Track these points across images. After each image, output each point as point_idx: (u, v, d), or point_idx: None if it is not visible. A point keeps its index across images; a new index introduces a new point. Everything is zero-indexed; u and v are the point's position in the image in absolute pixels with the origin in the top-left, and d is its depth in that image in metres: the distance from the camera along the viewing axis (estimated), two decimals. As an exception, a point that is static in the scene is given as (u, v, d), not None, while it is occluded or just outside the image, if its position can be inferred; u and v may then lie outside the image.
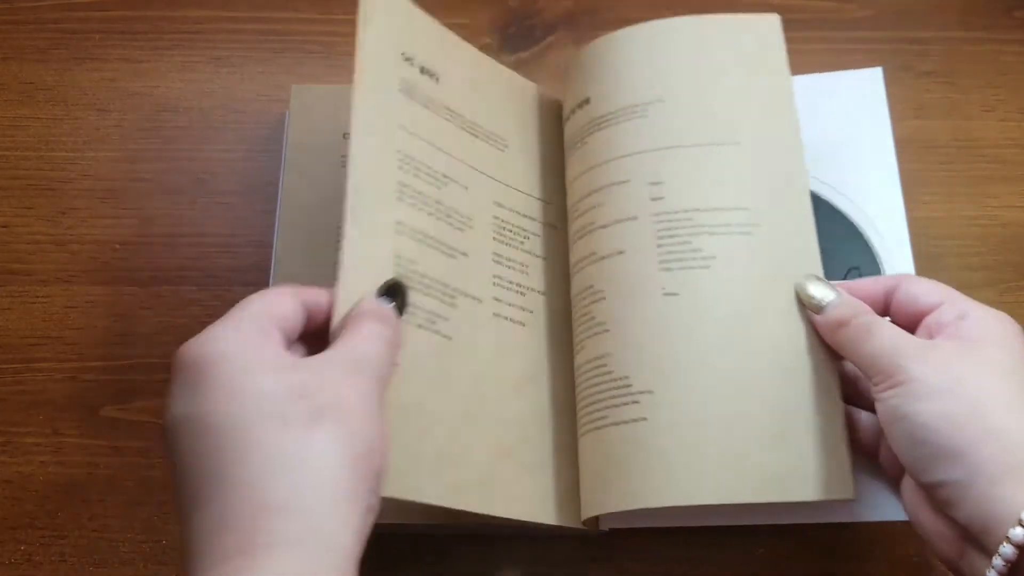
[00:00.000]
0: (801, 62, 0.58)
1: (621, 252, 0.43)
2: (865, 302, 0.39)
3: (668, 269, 0.42)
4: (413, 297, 0.39)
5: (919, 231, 0.53)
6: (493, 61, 0.50)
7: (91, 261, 0.51)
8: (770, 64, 0.47)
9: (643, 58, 0.46)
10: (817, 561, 0.46)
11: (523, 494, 0.42)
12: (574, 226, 0.46)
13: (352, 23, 0.58)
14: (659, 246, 0.43)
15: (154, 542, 0.46)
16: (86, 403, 0.48)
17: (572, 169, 0.48)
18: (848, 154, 0.50)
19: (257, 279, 0.51)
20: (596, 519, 0.43)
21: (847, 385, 0.41)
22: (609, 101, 0.46)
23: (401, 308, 0.38)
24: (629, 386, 0.41)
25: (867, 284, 0.41)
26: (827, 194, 0.50)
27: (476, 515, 0.40)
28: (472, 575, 0.45)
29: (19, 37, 0.57)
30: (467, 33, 0.58)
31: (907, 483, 0.38)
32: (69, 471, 0.47)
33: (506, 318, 0.44)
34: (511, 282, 0.46)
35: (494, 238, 0.45)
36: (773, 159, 0.44)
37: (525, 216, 0.48)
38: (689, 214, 0.43)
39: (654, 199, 0.43)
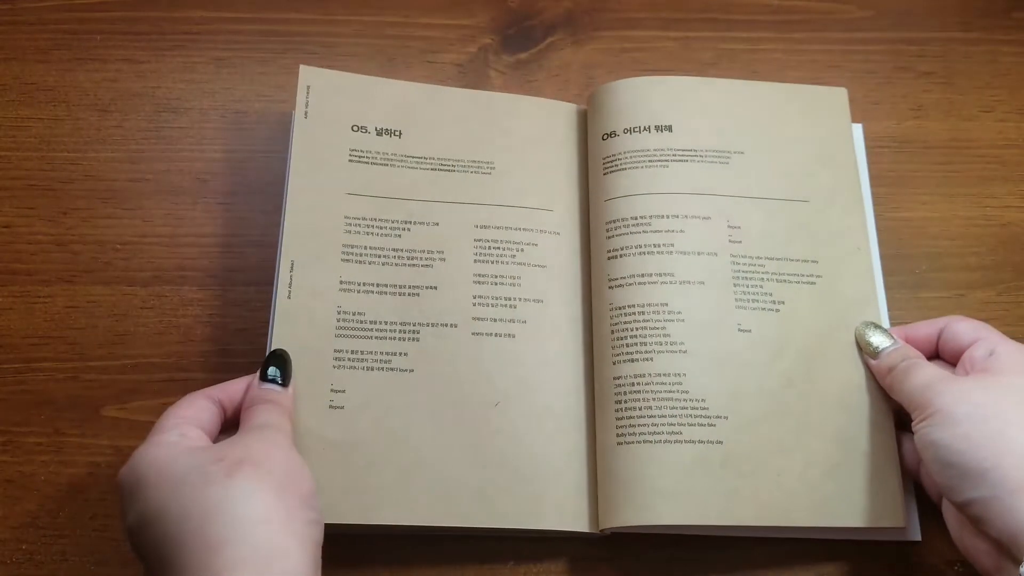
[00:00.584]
0: (800, 63, 0.59)
1: (702, 283, 0.47)
2: (920, 343, 0.45)
3: (742, 307, 0.47)
4: (362, 344, 0.46)
5: (918, 231, 0.54)
6: (473, 93, 0.53)
7: (92, 261, 0.51)
8: (836, 131, 0.52)
9: (727, 110, 0.52)
10: (817, 561, 0.46)
11: (522, 503, 0.44)
12: (627, 239, 0.48)
13: (354, 23, 0.59)
14: (735, 285, 0.47)
15: (155, 541, 0.46)
16: (87, 403, 0.48)
17: (632, 184, 0.49)
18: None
19: (259, 279, 0.51)
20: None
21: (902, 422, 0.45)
22: (696, 138, 0.51)
23: (287, 377, 0.43)
24: (707, 408, 0.44)
25: (923, 327, 0.46)
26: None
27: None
28: (475, 575, 0.45)
29: (20, 37, 0.57)
30: (467, 33, 0.59)
31: (947, 506, 0.42)
32: (70, 471, 0.47)
33: (490, 334, 0.47)
34: (497, 298, 0.47)
35: (475, 260, 0.48)
36: (837, 218, 0.50)
37: (518, 229, 0.49)
38: (762, 261, 0.48)
39: (732, 241, 0.48)
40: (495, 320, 0.47)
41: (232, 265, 0.51)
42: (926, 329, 0.45)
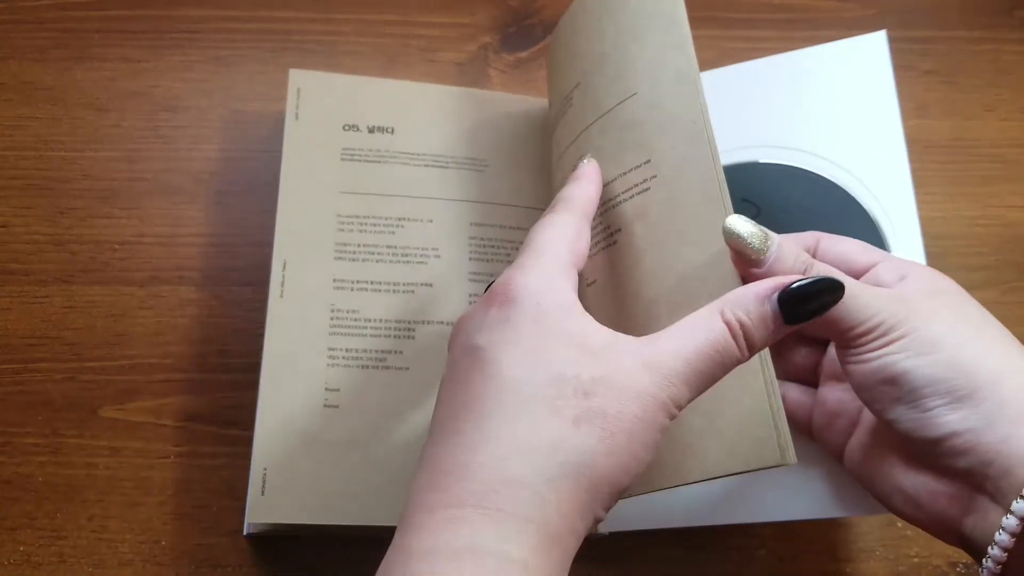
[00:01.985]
0: (802, 61, 0.58)
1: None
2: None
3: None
4: (356, 342, 0.45)
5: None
6: (466, 90, 0.53)
7: (90, 261, 0.51)
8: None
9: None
10: (817, 561, 0.46)
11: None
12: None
13: (353, 21, 0.59)
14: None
15: (153, 543, 0.45)
16: (85, 403, 0.48)
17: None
18: (851, 130, 0.48)
19: (257, 279, 0.50)
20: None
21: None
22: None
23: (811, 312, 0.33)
24: None
25: (786, 243, 0.36)
26: (829, 171, 0.48)
27: None
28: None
29: (18, 36, 0.57)
30: (467, 32, 0.58)
31: (858, 451, 0.37)
32: (68, 472, 0.47)
33: None
34: None
35: (471, 258, 0.48)
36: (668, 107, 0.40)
37: (512, 228, 0.49)
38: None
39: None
40: None
41: (230, 265, 0.51)
42: (789, 246, 0.35)
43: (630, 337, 0.32)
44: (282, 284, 0.46)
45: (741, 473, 0.34)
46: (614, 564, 0.45)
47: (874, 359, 0.34)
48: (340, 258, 0.47)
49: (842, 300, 0.33)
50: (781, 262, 0.34)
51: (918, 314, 0.34)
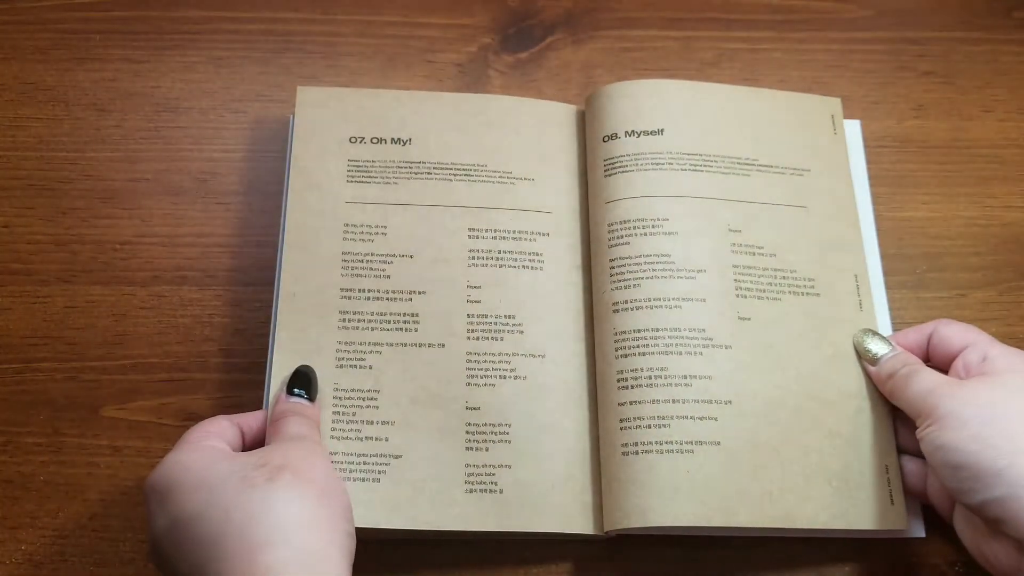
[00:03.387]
0: (801, 63, 0.59)
1: (703, 300, 0.47)
2: (911, 349, 0.45)
3: (744, 318, 0.47)
4: (358, 379, 0.46)
5: (918, 231, 0.54)
6: (471, 96, 0.53)
7: (91, 261, 0.51)
8: (829, 141, 0.53)
9: (724, 115, 0.52)
10: (817, 561, 0.46)
11: (527, 507, 0.44)
12: (628, 244, 0.48)
13: (353, 22, 0.59)
14: (736, 294, 0.47)
15: (154, 542, 0.46)
16: (86, 403, 0.48)
17: (632, 186, 0.49)
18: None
19: (257, 279, 0.51)
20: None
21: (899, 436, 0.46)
22: (691, 142, 0.51)
23: (313, 393, 0.44)
24: (711, 418, 0.44)
25: (912, 333, 0.46)
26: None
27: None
28: None
29: (20, 37, 0.57)
30: (467, 33, 0.59)
31: (959, 516, 0.42)
32: (70, 471, 0.47)
33: (490, 338, 0.47)
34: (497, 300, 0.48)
35: (469, 265, 0.48)
36: (834, 227, 0.50)
37: (518, 232, 0.49)
38: (763, 269, 0.48)
39: (734, 251, 0.48)
40: (496, 321, 0.47)
41: (232, 265, 0.51)
42: (915, 335, 0.45)
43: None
44: (292, 297, 0.46)
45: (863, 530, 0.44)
46: (614, 564, 0.46)
47: (924, 436, 0.40)
48: (346, 271, 0.47)
49: (908, 387, 0.42)
50: (889, 366, 0.44)
51: (959, 397, 0.40)
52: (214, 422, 0.41)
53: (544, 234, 0.49)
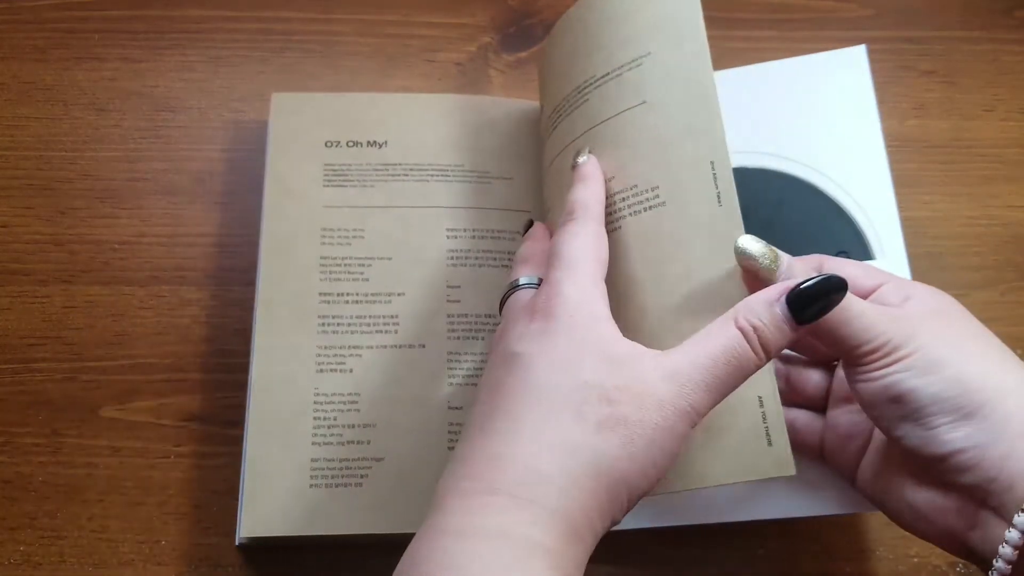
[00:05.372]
0: (801, 62, 0.58)
1: None
2: None
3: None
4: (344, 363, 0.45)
5: (919, 231, 0.54)
6: (447, 97, 0.53)
7: (90, 261, 0.51)
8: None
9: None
10: (817, 561, 0.46)
11: None
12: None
13: (353, 21, 0.59)
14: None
15: (154, 542, 0.45)
16: (85, 403, 0.48)
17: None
18: (833, 137, 0.49)
19: (256, 279, 0.50)
20: None
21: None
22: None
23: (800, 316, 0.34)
24: None
25: (797, 262, 0.37)
26: (812, 177, 0.49)
27: None
28: None
29: (18, 36, 0.57)
30: (467, 32, 0.59)
31: (870, 471, 0.38)
32: (68, 471, 0.47)
33: (469, 337, 0.47)
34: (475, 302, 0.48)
35: (448, 265, 0.48)
36: (677, 112, 0.40)
37: (497, 231, 0.49)
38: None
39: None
40: (476, 320, 0.47)
41: (231, 265, 0.51)
42: (800, 266, 0.37)
43: (652, 350, 0.34)
44: (271, 302, 0.46)
45: (742, 482, 0.36)
46: (614, 564, 0.46)
47: (880, 377, 0.35)
48: (324, 273, 0.47)
49: (850, 320, 0.34)
50: (792, 279, 0.35)
51: (923, 333, 0.35)
52: (602, 244, 0.37)
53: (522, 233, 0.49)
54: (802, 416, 0.41)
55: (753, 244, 0.36)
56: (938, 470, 0.35)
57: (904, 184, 0.55)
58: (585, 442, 0.31)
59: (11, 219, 0.52)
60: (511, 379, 0.33)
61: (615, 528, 0.43)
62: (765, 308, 0.34)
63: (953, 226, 0.54)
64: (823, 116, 0.49)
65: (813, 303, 0.34)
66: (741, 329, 0.33)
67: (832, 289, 0.34)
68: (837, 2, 0.60)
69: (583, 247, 0.36)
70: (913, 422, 0.34)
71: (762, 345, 0.33)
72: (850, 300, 0.35)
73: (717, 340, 0.33)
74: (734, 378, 0.33)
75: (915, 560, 0.46)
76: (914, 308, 0.36)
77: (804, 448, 0.41)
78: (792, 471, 0.35)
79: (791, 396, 0.41)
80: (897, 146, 0.56)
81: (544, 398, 0.32)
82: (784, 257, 0.36)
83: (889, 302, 0.37)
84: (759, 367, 0.34)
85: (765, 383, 0.36)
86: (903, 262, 0.47)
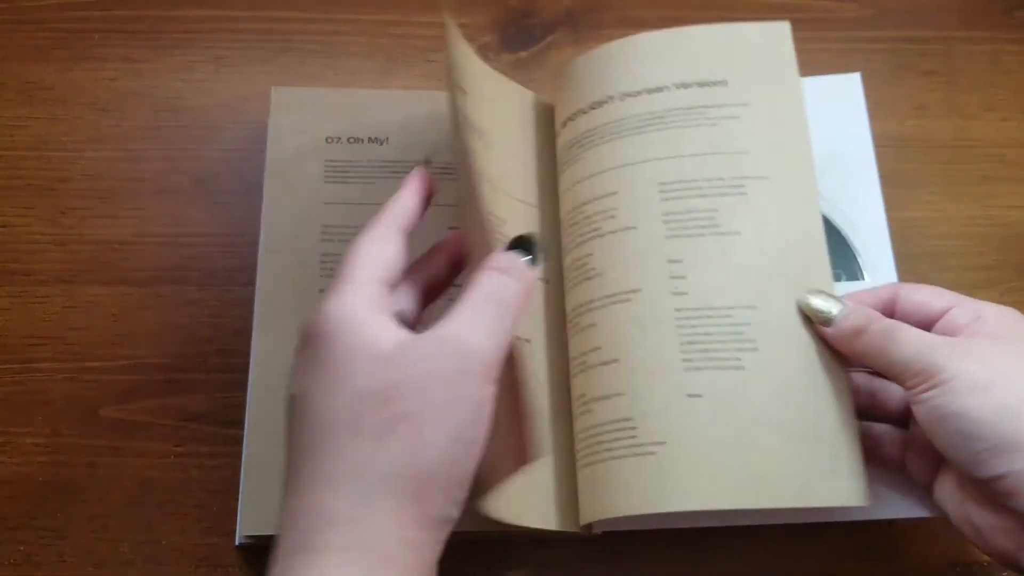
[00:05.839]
0: (801, 62, 0.58)
1: (638, 290, 0.43)
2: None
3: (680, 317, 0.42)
4: None
5: (919, 231, 0.54)
6: (444, 94, 0.52)
7: (91, 261, 0.51)
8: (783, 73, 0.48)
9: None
10: (817, 561, 0.46)
11: (527, 502, 0.43)
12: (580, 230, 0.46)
13: (353, 21, 0.59)
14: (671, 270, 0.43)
15: (154, 542, 0.46)
16: (86, 403, 0.48)
17: (583, 169, 0.47)
18: (826, 159, 0.49)
19: (256, 279, 0.51)
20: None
21: (860, 398, 0.42)
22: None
23: (535, 255, 0.36)
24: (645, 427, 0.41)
25: (867, 296, 0.41)
26: None
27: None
28: None
29: (19, 37, 0.57)
30: (467, 32, 0.58)
31: (944, 485, 0.39)
32: (69, 471, 0.47)
33: None
34: None
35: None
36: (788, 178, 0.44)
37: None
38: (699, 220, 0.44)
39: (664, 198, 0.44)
40: None
41: (231, 265, 0.51)
42: (869, 299, 0.41)
43: (425, 331, 0.33)
44: (270, 301, 0.46)
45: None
46: (614, 564, 0.46)
47: (926, 400, 0.36)
48: (325, 272, 0.47)
49: (890, 348, 0.37)
50: (852, 323, 0.39)
51: (969, 358, 0.36)
52: (382, 249, 0.36)
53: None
54: (887, 431, 0.42)
55: (814, 300, 0.41)
56: (987, 492, 0.36)
57: (904, 184, 0.55)
58: (369, 459, 0.30)
59: (12, 219, 0.52)
60: (295, 423, 0.32)
61: (615, 528, 0.43)
62: (503, 254, 0.35)
63: (953, 226, 0.54)
64: (817, 140, 0.48)
65: (518, 244, 0.36)
66: (487, 271, 0.34)
67: (520, 239, 0.36)
68: (837, 2, 0.60)
69: (355, 253, 0.35)
70: (958, 445, 0.35)
71: (517, 272, 0.35)
72: (894, 328, 0.38)
73: (474, 291, 0.33)
74: (504, 314, 0.33)
75: (915, 560, 0.46)
76: (980, 329, 0.38)
77: (887, 462, 0.42)
78: (865, 503, 0.39)
79: (877, 411, 0.43)
80: (897, 146, 0.56)
81: (325, 429, 0.31)
82: (843, 309, 0.40)
83: (958, 324, 0.38)
84: (522, 292, 0.34)
85: (848, 416, 0.40)
86: (890, 267, 0.48)
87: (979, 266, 0.53)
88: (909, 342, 0.37)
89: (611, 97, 0.47)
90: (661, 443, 0.40)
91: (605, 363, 0.42)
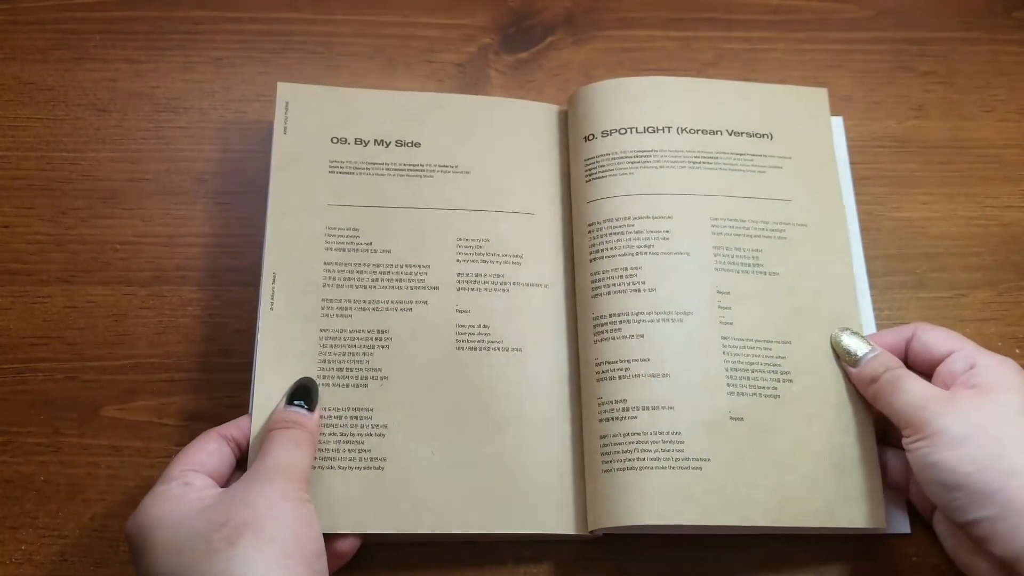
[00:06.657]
0: (801, 62, 0.59)
1: (689, 313, 0.46)
2: (889, 349, 0.44)
3: (726, 322, 0.46)
4: (346, 352, 0.46)
5: (918, 231, 0.54)
6: (454, 97, 0.53)
7: (91, 261, 0.51)
8: (818, 133, 0.52)
9: (709, 110, 0.52)
10: (817, 561, 0.46)
11: (518, 509, 0.44)
12: (609, 241, 0.48)
13: (353, 22, 0.59)
14: (720, 307, 0.46)
15: (155, 542, 0.46)
16: (87, 403, 0.48)
17: (615, 186, 0.49)
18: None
19: (258, 279, 0.50)
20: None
21: (879, 424, 0.45)
22: (678, 140, 0.50)
23: (312, 404, 0.43)
24: (687, 441, 0.44)
25: (889, 335, 0.45)
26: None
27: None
28: None
29: (20, 37, 0.57)
30: (467, 33, 0.59)
31: (940, 519, 0.42)
32: (70, 471, 0.47)
33: (476, 349, 0.46)
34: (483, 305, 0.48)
35: (458, 260, 0.48)
36: (821, 228, 0.49)
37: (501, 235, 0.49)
38: (746, 270, 0.47)
39: (715, 234, 0.48)
40: (479, 331, 0.47)
41: (232, 265, 0.51)
42: (892, 337, 0.45)
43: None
44: (272, 297, 0.46)
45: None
46: (613, 564, 0.46)
47: (916, 450, 0.40)
48: (328, 276, 0.47)
49: (894, 398, 0.41)
50: (869, 370, 0.43)
51: (956, 411, 0.39)
52: (199, 447, 0.41)
53: (527, 236, 0.49)
54: (895, 456, 0.45)
55: (846, 339, 0.45)
56: (968, 535, 0.38)
57: (903, 184, 0.55)
58: (229, 566, 0.35)
59: (12, 219, 0.52)
60: None
61: (613, 528, 0.43)
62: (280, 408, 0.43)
63: (951, 226, 0.54)
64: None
65: (295, 395, 0.43)
66: (270, 432, 0.42)
67: (303, 386, 0.44)
68: (837, 3, 0.61)
69: (175, 459, 0.41)
70: (940, 493, 0.39)
71: (296, 423, 0.42)
72: (901, 379, 0.42)
73: (263, 448, 0.41)
74: (294, 451, 0.40)
75: (915, 560, 0.46)
76: (965, 380, 0.41)
77: (893, 486, 0.45)
78: (884, 526, 0.43)
79: (893, 436, 0.45)
80: (896, 146, 0.56)
81: (185, 563, 0.36)
82: (869, 353, 0.44)
83: (953, 370, 0.42)
84: (307, 437, 0.42)
85: (868, 444, 0.44)
86: (863, 283, 0.51)
87: (977, 266, 0.53)
88: (907, 395, 0.41)
89: (669, 128, 0.50)
90: (707, 460, 0.43)
91: (655, 375, 0.45)
